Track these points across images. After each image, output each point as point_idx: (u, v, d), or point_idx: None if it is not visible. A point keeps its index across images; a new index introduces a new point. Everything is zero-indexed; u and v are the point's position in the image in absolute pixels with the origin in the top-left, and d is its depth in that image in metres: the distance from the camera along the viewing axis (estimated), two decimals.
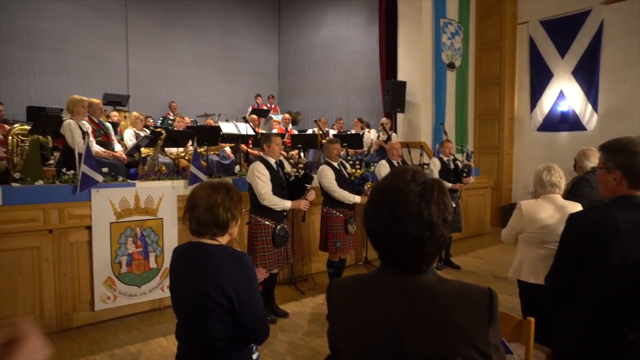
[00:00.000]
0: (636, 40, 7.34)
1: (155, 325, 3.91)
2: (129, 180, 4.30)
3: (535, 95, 8.73)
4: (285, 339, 3.66)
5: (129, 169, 5.01)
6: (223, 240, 1.71)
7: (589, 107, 7.98)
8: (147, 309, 4.22)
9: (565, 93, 8.28)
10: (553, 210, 2.51)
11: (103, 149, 4.82)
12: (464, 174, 5.64)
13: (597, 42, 7.81)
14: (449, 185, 5.53)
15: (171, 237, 4.31)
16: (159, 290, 4.24)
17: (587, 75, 7.98)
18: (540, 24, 8.56)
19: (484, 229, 8.14)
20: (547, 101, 8.56)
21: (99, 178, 3.86)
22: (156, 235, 4.23)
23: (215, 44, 12.31)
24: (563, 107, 8.32)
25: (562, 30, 8.22)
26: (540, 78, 8.64)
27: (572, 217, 1.70)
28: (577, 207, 2.53)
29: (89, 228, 3.87)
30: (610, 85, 7.72)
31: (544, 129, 8.67)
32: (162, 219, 4.26)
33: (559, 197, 2.58)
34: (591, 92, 7.95)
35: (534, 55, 8.72)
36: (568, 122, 8.28)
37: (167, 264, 4.27)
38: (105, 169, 4.11)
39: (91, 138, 4.70)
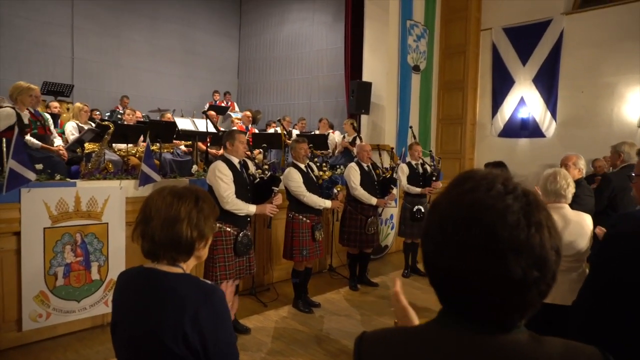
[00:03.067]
0: (594, 50, 7.53)
1: (96, 346, 3.40)
2: (68, 179, 3.75)
3: (497, 101, 8.82)
4: None
5: (70, 166, 4.44)
6: (188, 266, 1.30)
7: (548, 114, 8.13)
8: (87, 327, 3.69)
9: (525, 100, 8.40)
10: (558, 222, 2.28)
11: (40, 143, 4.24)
12: (434, 178, 5.48)
13: (557, 51, 7.96)
14: (417, 190, 5.35)
15: (118, 244, 3.81)
16: (102, 304, 3.73)
17: (547, 83, 8.13)
18: (503, 31, 8.65)
19: None
20: (508, 107, 8.66)
21: (31, 176, 3.30)
22: (100, 242, 3.72)
23: (172, 36, 11.65)
24: (523, 113, 8.43)
25: (524, 38, 8.34)
26: (502, 84, 8.73)
27: (612, 235, 1.46)
28: (585, 219, 2.32)
29: (18, 234, 3.31)
30: (569, 93, 7.89)
31: (504, 134, 8.77)
32: (107, 224, 3.75)
33: (565, 208, 2.32)
34: (550, 99, 8.10)
35: (496, 61, 8.80)
36: (528, 129, 8.40)
37: (112, 274, 3.76)
38: (39, 166, 3.55)
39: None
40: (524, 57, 8.37)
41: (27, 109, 4.32)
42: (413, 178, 5.44)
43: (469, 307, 0.69)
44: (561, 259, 0.68)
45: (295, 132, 7.93)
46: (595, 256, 1.48)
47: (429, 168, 5.60)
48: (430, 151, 6.92)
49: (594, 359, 0.69)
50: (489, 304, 0.66)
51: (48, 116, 4.70)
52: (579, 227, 2.26)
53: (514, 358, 0.66)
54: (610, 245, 1.46)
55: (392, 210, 6.33)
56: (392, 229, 6.61)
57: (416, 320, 1.05)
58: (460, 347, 0.69)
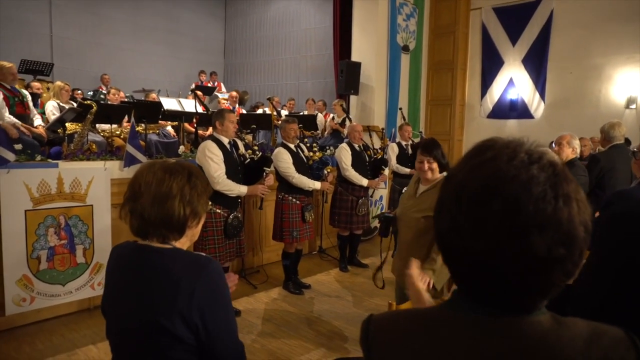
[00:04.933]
0: (582, 31, 7.50)
1: (83, 330, 3.33)
2: (50, 160, 3.62)
3: (486, 82, 8.77)
4: None
5: (51, 147, 4.29)
6: (182, 244, 1.24)
7: (537, 95, 8.12)
8: (73, 311, 3.62)
9: (514, 81, 8.37)
10: None
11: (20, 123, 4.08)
12: None
13: (546, 32, 7.92)
14: (406, 170, 5.32)
15: (103, 226, 3.71)
16: (88, 288, 3.64)
17: (536, 63, 8.10)
18: (492, 11, 8.56)
19: None
20: (497, 88, 8.63)
21: (10, 156, 3.17)
22: (85, 224, 3.61)
23: (156, 14, 11.27)
24: (512, 95, 8.41)
25: (514, 18, 8.27)
26: (492, 65, 8.68)
27: (613, 217, 1.42)
28: None
29: None
30: (558, 75, 7.88)
31: (493, 116, 8.75)
32: (91, 205, 3.64)
33: None
34: (539, 81, 8.08)
35: (486, 42, 8.73)
36: (517, 110, 8.39)
37: (98, 258, 3.68)
38: (18, 146, 3.42)
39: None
40: (514, 38, 8.31)
41: (2, 85, 4.14)
42: (402, 158, 5.40)
43: (488, 288, 0.62)
44: (590, 237, 0.62)
45: (284, 112, 7.81)
46: (600, 245, 1.41)
47: None
48: (421, 132, 6.89)
49: (620, 340, 0.65)
50: (510, 285, 0.60)
51: (26, 92, 4.53)
52: None
53: (537, 342, 0.61)
54: (614, 228, 1.42)
55: (381, 192, 6.31)
56: (381, 210, 6.59)
57: (428, 304, 1.01)
58: (477, 331, 0.63)
